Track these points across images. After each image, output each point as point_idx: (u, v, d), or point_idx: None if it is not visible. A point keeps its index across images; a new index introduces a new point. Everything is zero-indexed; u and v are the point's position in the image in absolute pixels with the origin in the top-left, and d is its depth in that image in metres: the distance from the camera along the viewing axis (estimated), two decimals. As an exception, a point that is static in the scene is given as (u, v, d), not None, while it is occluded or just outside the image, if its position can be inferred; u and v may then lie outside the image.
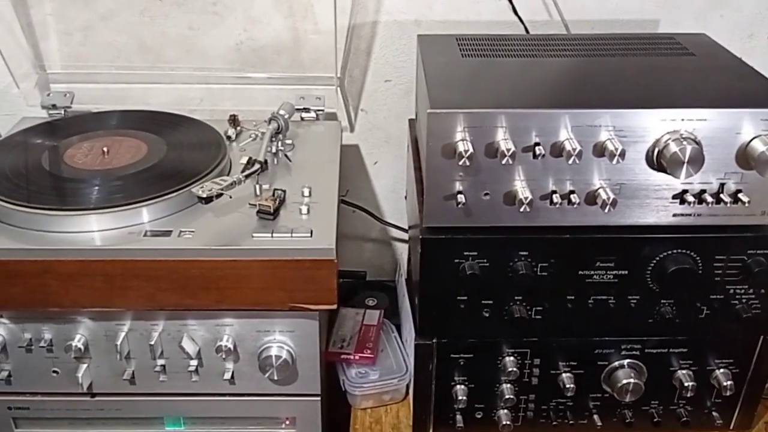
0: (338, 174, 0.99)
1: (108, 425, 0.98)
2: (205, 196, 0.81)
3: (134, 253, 0.82)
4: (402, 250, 1.38)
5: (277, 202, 0.89)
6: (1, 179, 0.89)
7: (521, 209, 0.81)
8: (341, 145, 1.13)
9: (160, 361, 0.92)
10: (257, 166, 0.91)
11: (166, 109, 1.15)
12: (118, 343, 0.89)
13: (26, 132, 1.04)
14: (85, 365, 0.92)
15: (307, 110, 1.16)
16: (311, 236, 0.84)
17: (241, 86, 1.22)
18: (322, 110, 1.16)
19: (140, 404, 0.96)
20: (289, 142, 1.06)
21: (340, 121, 1.23)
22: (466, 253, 0.86)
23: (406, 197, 1.24)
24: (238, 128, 1.10)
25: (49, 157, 0.95)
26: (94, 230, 0.84)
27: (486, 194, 0.83)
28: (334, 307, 0.86)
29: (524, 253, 0.86)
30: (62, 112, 1.14)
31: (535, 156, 0.80)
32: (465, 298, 0.89)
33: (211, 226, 0.86)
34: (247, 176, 0.88)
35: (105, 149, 0.97)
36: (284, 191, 0.91)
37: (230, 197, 0.83)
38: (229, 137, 1.07)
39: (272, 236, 0.84)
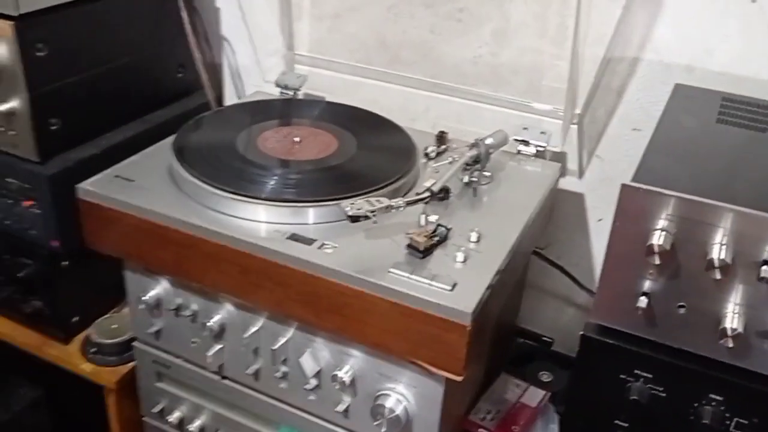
0: (524, 226, 0.84)
1: (233, 410, 0.97)
2: (351, 214, 0.73)
3: (269, 253, 0.77)
4: (607, 328, 1.16)
5: (433, 240, 0.77)
6: (192, 148, 0.91)
7: (724, 341, 0.60)
8: (557, 188, 0.98)
9: (283, 368, 0.87)
10: (426, 194, 0.80)
11: (391, 111, 1.10)
12: (246, 335, 0.86)
13: (243, 106, 1.06)
14: (219, 346, 0.91)
15: (526, 143, 1.01)
16: (451, 290, 0.71)
17: (468, 102, 1.12)
18: (544, 147, 1.01)
19: (260, 402, 0.93)
20: (487, 174, 0.93)
21: (566, 164, 1.07)
22: (637, 372, 0.66)
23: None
24: (443, 146, 1.00)
25: (245, 136, 0.95)
26: (242, 217, 0.81)
27: (680, 306, 0.62)
28: (459, 378, 0.73)
29: (718, 397, 0.63)
30: (291, 93, 1.15)
31: (760, 278, 0.57)
32: (626, 425, 0.69)
33: (355, 245, 0.78)
34: (409, 203, 0.78)
35: (297, 139, 0.95)
36: (448, 230, 0.80)
37: (375, 222, 0.74)
38: (427, 154, 0.97)
39: (410, 277, 0.73)
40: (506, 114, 1.09)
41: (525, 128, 1.03)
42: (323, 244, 0.78)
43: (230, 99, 1.32)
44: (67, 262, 1.03)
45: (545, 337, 1.14)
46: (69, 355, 1.08)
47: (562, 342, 1.16)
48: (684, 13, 0.94)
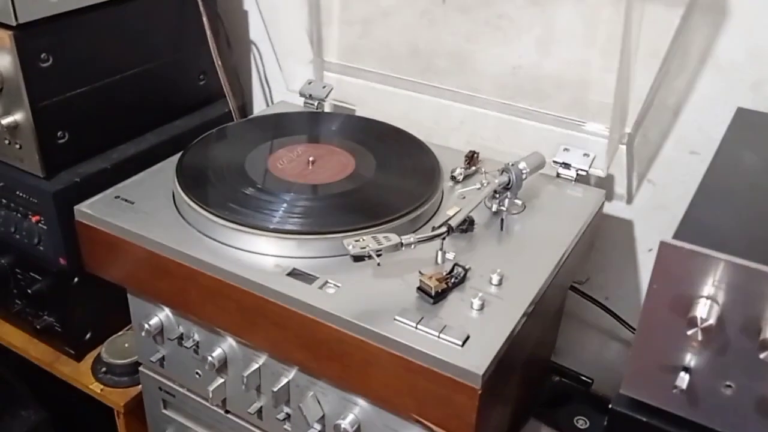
0: (554, 266, 0.74)
1: (238, 445, 0.91)
2: (354, 253, 0.65)
3: (266, 291, 0.70)
4: (655, 369, 1.05)
5: (447, 284, 0.69)
6: (195, 170, 0.85)
7: (781, 433, 0.49)
8: (603, 213, 0.88)
9: (286, 409, 0.81)
10: (443, 230, 0.71)
11: (423, 125, 1.01)
12: (246, 374, 0.80)
13: (258, 120, 1.00)
14: (221, 380, 0.85)
15: (566, 166, 0.91)
16: (462, 346, 0.63)
17: (507, 116, 1.02)
18: (585, 172, 0.90)
19: (264, 442, 0.86)
20: (518, 202, 0.84)
21: (613, 188, 0.96)
22: (674, 455, 0.56)
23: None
24: (473, 168, 0.91)
25: (255, 155, 0.88)
26: (242, 248, 0.75)
27: (728, 386, 0.52)
28: (470, 444, 0.64)
29: (771, 495, 0.53)
30: (315, 104, 1.07)
31: (828, 363, 0.47)
32: None
33: (360, 285, 0.70)
34: (421, 241, 0.70)
35: (311, 159, 0.87)
36: (466, 270, 0.71)
37: (378, 264, 0.66)
38: (454, 177, 0.89)
39: (416, 327, 0.65)
40: (548, 130, 0.99)
41: (566, 149, 0.92)
42: (326, 283, 0.70)
43: (258, 107, 1.26)
44: (77, 279, 0.99)
45: (584, 376, 1.03)
46: (80, 374, 1.04)
47: (603, 382, 1.05)
48: (753, 24, 0.82)
